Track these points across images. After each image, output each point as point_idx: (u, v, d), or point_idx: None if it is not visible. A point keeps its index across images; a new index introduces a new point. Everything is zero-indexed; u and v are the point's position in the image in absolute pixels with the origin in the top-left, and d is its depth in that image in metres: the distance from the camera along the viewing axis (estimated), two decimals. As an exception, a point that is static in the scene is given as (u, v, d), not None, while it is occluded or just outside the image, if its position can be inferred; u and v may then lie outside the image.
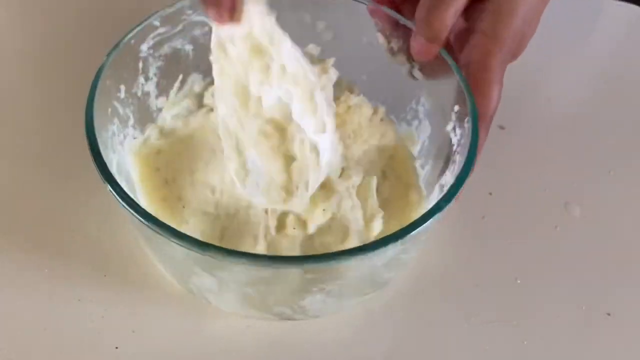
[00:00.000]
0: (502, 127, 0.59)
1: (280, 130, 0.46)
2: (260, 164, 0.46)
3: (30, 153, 0.57)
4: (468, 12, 0.48)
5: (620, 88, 0.66)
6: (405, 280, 0.50)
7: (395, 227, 0.46)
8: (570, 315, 0.50)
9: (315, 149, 0.45)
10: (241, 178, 0.46)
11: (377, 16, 0.52)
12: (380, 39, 0.52)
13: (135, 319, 0.48)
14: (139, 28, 0.48)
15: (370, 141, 0.52)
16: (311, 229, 0.47)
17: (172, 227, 0.38)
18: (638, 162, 0.60)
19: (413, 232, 0.39)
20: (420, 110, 0.53)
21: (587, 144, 0.61)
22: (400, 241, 0.39)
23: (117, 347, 0.47)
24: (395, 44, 0.51)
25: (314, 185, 0.46)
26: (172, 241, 0.38)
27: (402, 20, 0.50)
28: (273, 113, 0.45)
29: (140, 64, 0.50)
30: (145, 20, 0.48)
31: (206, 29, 0.50)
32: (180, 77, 0.53)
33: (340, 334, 0.48)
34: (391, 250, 0.39)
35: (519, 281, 0.52)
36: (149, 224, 0.39)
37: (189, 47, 0.52)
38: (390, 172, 0.52)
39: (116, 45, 0.46)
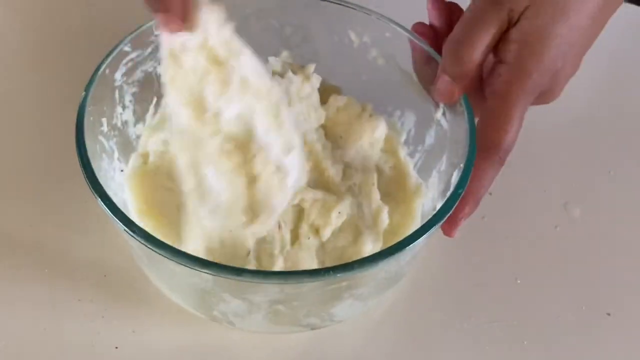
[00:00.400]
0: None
1: (242, 148, 0.42)
2: (220, 185, 0.42)
3: (30, 153, 0.57)
4: (498, 46, 0.45)
5: (621, 88, 0.66)
6: (406, 281, 0.50)
7: (400, 218, 0.47)
8: (570, 315, 0.50)
9: (280, 169, 0.42)
10: (198, 198, 0.42)
11: (416, 50, 0.49)
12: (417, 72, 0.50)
13: (135, 319, 0.48)
14: (111, 56, 0.46)
15: (363, 138, 0.52)
16: (326, 234, 0.47)
17: (202, 258, 0.37)
18: (638, 162, 0.60)
19: (440, 222, 0.41)
20: (404, 103, 0.53)
21: (587, 144, 0.61)
22: (427, 233, 0.40)
23: (117, 347, 0.47)
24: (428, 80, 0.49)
25: (279, 208, 0.43)
26: (202, 271, 0.37)
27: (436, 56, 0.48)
28: (232, 129, 0.42)
29: (117, 94, 0.48)
30: (117, 46, 0.47)
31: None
32: (155, 100, 0.51)
33: (340, 334, 0.48)
34: (421, 243, 0.40)
35: (519, 281, 0.52)
36: (180, 260, 0.37)
37: (160, 69, 0.50)
38: (384, 164, 0.52)
39: (92, 78, 0.45)
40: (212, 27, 0.39)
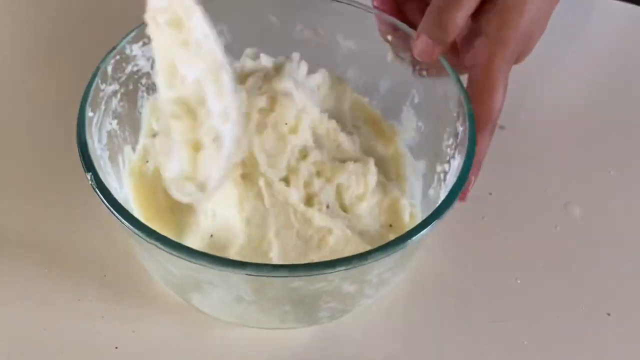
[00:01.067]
0: (502, 127, 0.59)
1: (191, 113, 0.43)
2: (174, 149, 0.43)
3: (30, 153, 0.57)
4: (475, 13, 0.48)
5: (620, 88, 0.66)
6: (405, 281, 0.50)
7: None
8: (570, 315, 0.50)
9: (218, 139, 0.42)
10: (165, 158, 0.44)
11: (380, 21, 0.52)
12: (385, 42, 0.52)
13: (135, 319, 0.48)
14: (89, 97, 0.45)
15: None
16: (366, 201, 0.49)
17: (236, 260, 0.38)
18: (638, 162, 0.60)
19: (449, 209, 0.42)
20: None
21: (587, 144, 0.61)
22: (437, 221, 0.41)
23: (117, 347, 0.47)
24: (399, 49, 0.52)
25: (213, 180, 0.43)
26: (242, 272, 0.37)
27: (403, 27, 0.51)
28: (189, 94, 0.43)
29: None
30: (118, 45, 0.47)
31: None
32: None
33: (339, 334, 0.48)
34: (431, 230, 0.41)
35: (519, 281, 0.52)
36: (207, 263, 0.37)
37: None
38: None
39: (79, 131, 0.43)
40: None
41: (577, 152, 0.60)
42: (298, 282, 0.39)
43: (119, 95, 0.48)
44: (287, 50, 0.53)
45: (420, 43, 0.48)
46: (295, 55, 0.53)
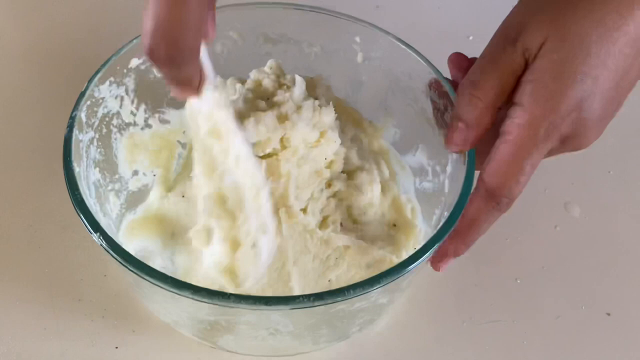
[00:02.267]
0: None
1: (230, 213, 0.44)
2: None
3: (30, 153, 0.57)
4: (514, 89, 0.41)
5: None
6: (405, 280, 0.50)
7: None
8: (570, 315, 0.50)
9: (255, 246, 0.44)
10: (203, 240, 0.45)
11: (436, 87, 0.48)
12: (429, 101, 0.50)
13: (135, 319, 0.48)
14: (71, 151, 0.43)
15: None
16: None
17: (280, 297, 0.38)
18: (638, 162, 0.60)
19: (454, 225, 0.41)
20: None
21: (587, 144, 0.61)
22: (414, 265, 0.40)
23: (117, 347, 0.47)
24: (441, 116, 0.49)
25: (252, 280, 0.44)
26: (279, 309, 0.37)
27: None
28: (229, 194, 0.44)
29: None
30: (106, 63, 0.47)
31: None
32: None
33: (348, 339, 0.48)
34: (410, 277, 0.41)
35: (519, 281, 0.52)
36: (241, 304, 0.37)
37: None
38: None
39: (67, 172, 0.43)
40: (215, 103, 0.42)
41: (577, 152, 0.60)
42: (340, 306, 0.39)
43: (95, 142, 0.47)
44: (262, 60, 0.51)
45: (453, 131, 0.43)
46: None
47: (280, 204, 0.46)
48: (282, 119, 0.45)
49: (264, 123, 0.44)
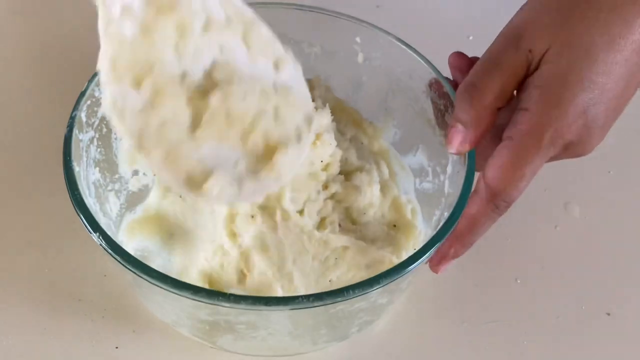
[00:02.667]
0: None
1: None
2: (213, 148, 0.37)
3: (30, 153, 0.57)
4: (518, 92, 0.41)
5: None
6: (405, 280, 0.50)
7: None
8: (570, 315, 0.50)
9: (285, 88, 0.39)
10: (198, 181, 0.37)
11: (436, 87, 0.47)
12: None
13: (135, 319, 0.48)
14: (71, 151, 0.43)
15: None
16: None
17: (279, 297, 0.39)
18: (638, 162, 0.60)
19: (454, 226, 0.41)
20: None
21: (587, 144, 0.61)
22: (413, 266, 0.40)
23: (117, 347, 0.47)
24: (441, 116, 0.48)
25: (307, 123, 0.40)
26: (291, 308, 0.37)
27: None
28: (214, 76, 0.36)
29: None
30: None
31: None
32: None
33: (348, 340, 0.48)
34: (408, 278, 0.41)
35: (519, 281, 0.52)
36: (248, 306, 0.37)
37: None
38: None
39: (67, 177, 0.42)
40: None
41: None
42: (340, 306, 0.39)
43: (95, 141, 0.46)
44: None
45: (452, 133, 0.42)
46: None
47: (276, 207, 0.45)
48: None
49: None
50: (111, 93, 0.33)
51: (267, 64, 0.38)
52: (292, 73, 0.39)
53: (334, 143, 0.47)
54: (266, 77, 0.38)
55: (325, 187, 0.48)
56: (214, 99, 0.36)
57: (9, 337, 0.47)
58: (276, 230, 0.45)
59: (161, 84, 0.34)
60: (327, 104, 0.47)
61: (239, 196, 0.37)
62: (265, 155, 0.38)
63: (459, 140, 0.42)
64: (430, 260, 0.43)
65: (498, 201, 0.41)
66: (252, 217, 0.45)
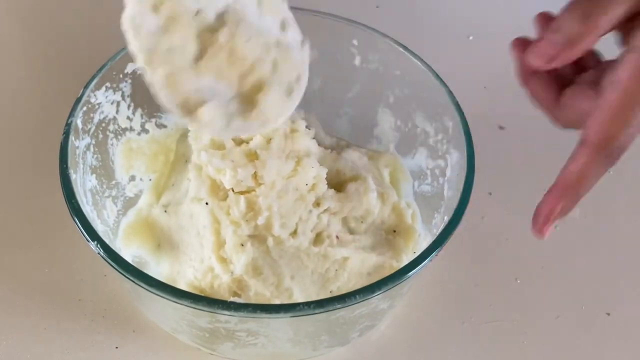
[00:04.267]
0: (502, 127, 0.59)
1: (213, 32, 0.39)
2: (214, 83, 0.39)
3: (30, 153, 0.57)
4: (627, 30, 0.38)
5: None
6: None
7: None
8: (570, 315, 0.50)
9: (286, 48, 0.41)
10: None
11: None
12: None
13: (135, 319, 0.48)
14: (68, 158, 0.43)
15: None
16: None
17: (280, 304, 0.38)
18: (638, 162, 0.60)
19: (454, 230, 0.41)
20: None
21: (587, 144, 0.61)
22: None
23: (117, 347, 0.47)
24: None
25: (298, 83, 0.41)
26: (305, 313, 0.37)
27: None
28: (224, 18, 0.39)
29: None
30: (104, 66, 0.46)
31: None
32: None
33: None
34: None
35: (519, 281, 0.52)
36: (249, 313, 0.37)
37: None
38: None
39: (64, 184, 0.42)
40: None
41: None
42: (341, 313, 0.39)
43: (91, 148, 0.46)
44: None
45: (545, 42, 0.39)
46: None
47: (266, 235, 0.45)
48: (251, 157, 0.45)
49: (232, 162, 0.44)
50: (132, 9, 0.36)
51: (274, 21, 0.41)
52: (296, 37, 0.42)
53: (316, 165, 0.46)
54: (272, 33, 0.41)
55: (317, 204, 0.47)
56: (221, 35, 0.38)
57: (9, 337, 0.47)
58: (269, 253, 0.45)
59: (177, 13, 0.37)
60: (312, 129, 0.48)
61: (226, 130, 0.39)
62: (257, 100, 0.40)
63: (549, 51, 0.39)
64: (534, 223, 0.40)
65: (609, 149, 0.39)
66: (242, 245, 0.44)
